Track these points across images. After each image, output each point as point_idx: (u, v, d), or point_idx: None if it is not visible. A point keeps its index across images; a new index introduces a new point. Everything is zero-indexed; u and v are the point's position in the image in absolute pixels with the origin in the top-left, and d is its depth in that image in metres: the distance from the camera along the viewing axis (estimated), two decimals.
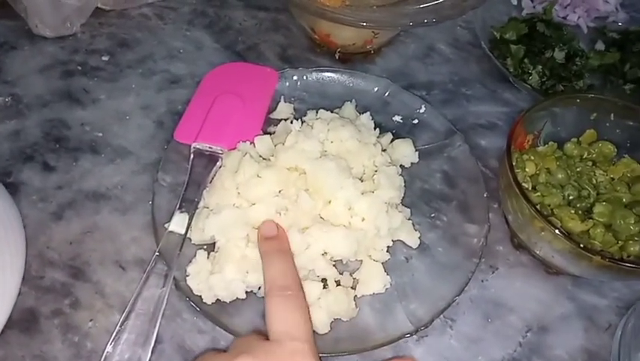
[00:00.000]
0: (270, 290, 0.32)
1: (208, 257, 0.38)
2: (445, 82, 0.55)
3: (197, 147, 0.43)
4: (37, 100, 0.51)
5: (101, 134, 0.49)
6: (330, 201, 0.39)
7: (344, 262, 0.40)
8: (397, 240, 0.42)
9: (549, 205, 0.39)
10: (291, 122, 0.43)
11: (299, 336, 0.30)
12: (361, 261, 0.40)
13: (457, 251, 0.42)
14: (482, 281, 0.42)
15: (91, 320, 0.38)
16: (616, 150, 0.43)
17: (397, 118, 0.50)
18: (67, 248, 0.41)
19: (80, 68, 0.54)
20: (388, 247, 0.41)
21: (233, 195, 0.39)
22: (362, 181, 0.41)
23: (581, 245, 0.34)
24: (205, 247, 0.39)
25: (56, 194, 0.44)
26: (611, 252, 0.38)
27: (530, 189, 0.40)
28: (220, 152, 0.43)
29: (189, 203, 0.40)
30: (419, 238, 0.42)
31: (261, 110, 0.47)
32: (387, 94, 0.51)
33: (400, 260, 0.42)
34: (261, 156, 0.42)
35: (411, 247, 0.42)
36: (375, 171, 0.42)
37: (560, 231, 0.34)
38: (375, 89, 0.51)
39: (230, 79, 0.49)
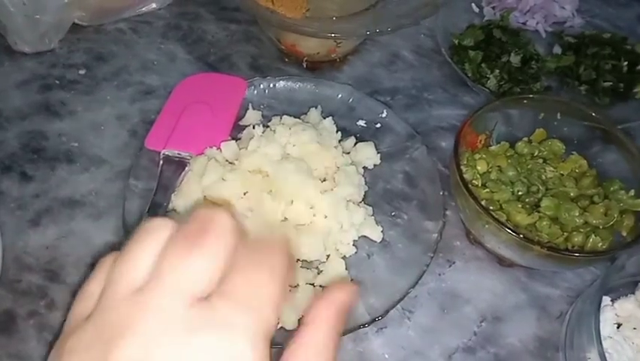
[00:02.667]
0: (252, 243, 0.20)
1: None
2: (409, 87, 0.58)
3: (167, 153, 0.46)
4: (16, 113, 0.53)
5: (77, 144, 0.51)
6: (292, 202, 0.41)
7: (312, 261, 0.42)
8: (361, 236, 0.44)
9: (498, 201, 0.41)
10: (253, 128, 0.45)
11: (253, 306, 0.17)
12: (329, 255, 0.42)
13: (416, 247, 0.44)
14: (439, 275, 0.44)
15: (65, 320, 0.40)
16: (565, 147, 0.45)
17: (361, 122, 0.52)
18: (44, 253, 0.43)
19: (57, 81, 0.56)
20: (354, 241, 0.43)
21: (199, 197, 0.41)
22: (324, 181, 0.43)
23: (521, 235, 0.36)
24: None
25: (34, 202, 0.46)
26: (556, 243, 0.40)
27: (480, 185, 0.42)
28: (188, 158, 0.45)
29: (158, 207, 0.42)
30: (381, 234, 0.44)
31: (229, 118, 0.49)
32: (351, 100, 0.53)
33: (362, 257, 0.44)
34: (227, 161, 0.44)
35: (373, 243, 0.44)
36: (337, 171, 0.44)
37: (499, 222, 0.37)
38: (340, 95, 0.53)
39: (199, 89, 0.52)
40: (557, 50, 0.60)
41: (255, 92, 0.53)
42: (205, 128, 0.48)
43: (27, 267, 0.42)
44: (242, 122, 0.51)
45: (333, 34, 0.47)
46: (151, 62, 0.59)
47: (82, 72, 0.57)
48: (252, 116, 0.51)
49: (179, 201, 0.42)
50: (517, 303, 0.43)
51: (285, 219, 0.41)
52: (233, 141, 0.45)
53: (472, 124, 0.42)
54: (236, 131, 0.49)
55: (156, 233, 0.19)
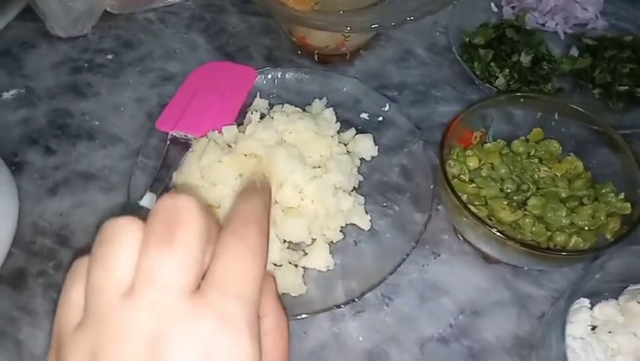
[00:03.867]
0: (229, 223, 0.20)
1: None
2: (417, 83, 0.58)
3: (174, 134, 0.49)
4: (47, 92, 0.57)
5: (97, 123, 0.55)
6: (282, 185, 0.43)
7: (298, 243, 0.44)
8: (350, 223, 0.46)
9: (484, 196, 0.42)
10: (252, 114, 0.47)
11: (241, 293, 0.18)
12: (315, 239, 0.44)
13: (404, 238, 0.45)
14: (423, 265, 0.45)
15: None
16: (561, 148, 0.45)
17: (364, 115, 0.54)
18: (58, 219, 0.47)
19: (86, 64, 0.60)
20: (342, 227, 0.44)
21: (197, 176, 0.44)
22: (317, 168, 0.45)
23: (495, 229, 0.36)
24: None
25: (54, 173, 0.51)
26: (538, 241, 0.40)
27: (467, 181, 0.43)
28: (193, 139, 0.48)
29: (160, 183, 0.45)
30: (370, 223, 0.46)
31: (236, 105, 0.52)
32: (356, 93, 0.54)
33: (350, 243, 0.45)
34: (227, 144, 0.47)
35: (362, 231, 0.46)
36: None
37: (475, 216, 0.37)
38: (346, 88, 0.55)
39: (212, 76, 0.55)
40: (574, 52, 0.58)
41: (265, 81, 0.55)
42: (213, 113, 0.51)
43: (41, 231, 0.46)
44: (249, 110, 0.53)
45: (339, 27, 0.49)
46: (173, 51, 0.62)
47: (109, 57, 0.61)
48: (259, 104, 0.53)
49: (179, 179, 0.45)
50: (499, 300, 0.43)
51: (276, 202, 0.43)
52: (235, 125, 0.47)
53: (464, 120, 0.43)
54: (242, 117, 0.52)
55: (126, 233, 0.19)
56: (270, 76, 0.55)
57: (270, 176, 0.42)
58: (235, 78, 0.54)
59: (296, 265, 0.42)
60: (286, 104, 0.50)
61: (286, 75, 0.55)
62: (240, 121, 0.51)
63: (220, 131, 0.47)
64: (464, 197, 0.41)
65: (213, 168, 0.43)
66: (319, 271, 0.43)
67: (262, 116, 0.49)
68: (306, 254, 0.43)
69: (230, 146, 0.46)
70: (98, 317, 0.18)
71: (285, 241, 0.43)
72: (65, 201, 0.49)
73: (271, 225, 0.41)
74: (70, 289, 0.20)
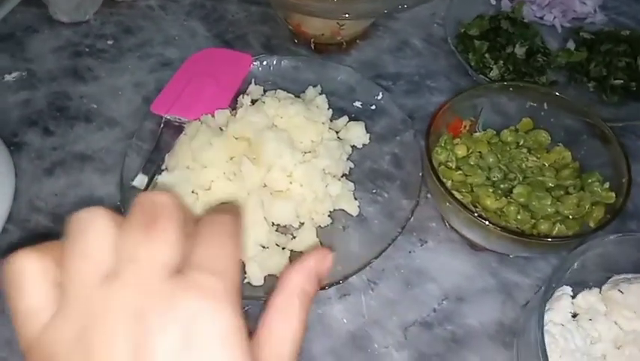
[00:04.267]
0: (205, 216, 0.21)
1: None
2: (412, 74, 0.59)
3: (168, 118, 0.49)
4: (48, 75, 0.58)
5: (95, 106, 0.56)
6: (272, 169, 0.43)
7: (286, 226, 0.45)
8: (339, 209, 0.46)
9: (470, 184, 0.42)
10: (243, 98, 0.48)
11: (220, 270, 0.19)
12: (303, 223, 0.44)
13: (392, 224, 0.45)
14: (410, 252, 0.45)
15: None
16: (550, 138, 0.45)
17: (357, 104, 0.54)
18: (53, 199, 0.48)
19: (87, 49, 0.61)
20: (330, 212, 0.45)
21: (188, 158, 0.44)
22: (307, 153, 0.46)
23: (475, 214, 0.37)
24: None
25: (51, 154, 0.52)
26: (523, 229, 0.40)
27: (454, 168, 0.43)
28: (187, 123, 0.49)
29: (152, 164, 0.46)
30: (359, 208, 0.46)
31: (231, 90, 0.52)
32: (350, 82, 0.55)
33: (338, 228, 0.46)
34: (220, 128, 0.47)
35: (350, 216, 0.46)
36: None
37: (458, 201, 0.38)
38: (340, 76, 0.55)
39: (208, 62, 0.55)
40: (571, 45, 0.58)
41: (261, 68, 0.56)
42: (207, 98, 0.51)
43: (37, 209, 0.47)
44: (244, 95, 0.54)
45: (332, 14, 0.49)
46: (173, 37, 0.63)
47: (110, 42, 0.62)
48: (254, 90, 0.53)
49: (171, 161, 0.45)
50: (484, 287, 0.43)
51: (265, 185, 0.43)
52: (227, 110, 0.48)
53: (453, 108, 0.43)
54: (237, 103, 0.53)
55: (100, 221, 0.19)
56: (265, 63, 0.55)
57: (258, 159, 0.43)
58: (231, 64, 0.55)
59: (283, 248, 0.43)
60: (279, 90, 0.50)
61: (282, 63, 0.56)
62: (233, 106, 0.52)
63: (213, 115, 0.47)
64: (449, 184, 0.42)
65: (204, 151, 0.44)
66: (307, 254, 0.43)
67: (255, 101, 0.50)
68: (294, 237, 0.44)
69: (222, 129, 0.46)
70: (82, 299, 0.18)
71: (273, 223, 0.43)
72: (61, 181, 0.50)
73: (259, 207, 0.42)
74: (27, 297, 0.19)
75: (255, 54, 0.57)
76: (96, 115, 0.55)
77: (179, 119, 0.49)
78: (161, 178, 0.44)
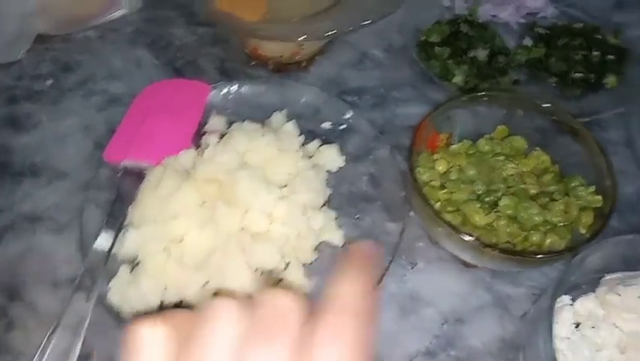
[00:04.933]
0: (329, 307, 0.20)
1: (131, 272, 0.40)
2: (377, 86, 0.57)
3: (126, 165, 0.45)
4: None
5: (41, 158, 0.51)
6: (247, 210, 0.40)
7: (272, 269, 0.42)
8: (323, 241, 0.44)
9: (456, 201, 0.41)
10: (210, 136, 0.44)
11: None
12: (288, 263, 0.42)
13: (379, 250, 0.43)
14: (402, 277, 0.43)
15: (24, 340, 0.40)
16: (527, 143, 0.44)
17: (326, 124, 0.52)
18: (5, 270, 0.43)
19: (24, 93, 0.56)
20: (316, 246, 0.43)
21: (155, 209, 0.41)
22: (285, 187, 0.43)
23: (473, 238, 0.35)
24: (130, 261, 0.41)
25: None
26: (514, 243, 0.39)
27: (438, 186, 0.42)
28: (148, 168, 0.45)
29: (115, 219, 0.42)
30: (344, 237, 0.44)
31: (191, 125, 0.49)
32: (316, 102, 0.52)
33: (324, 261, 0.44)
34: (186, 171, 0.44)
35: (336, 247, 0.44)
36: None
37: (451, 225, 0.36)
38: (305, 97, 0.53)
39: (162, 96, 0.51)
40: (528, 42, 0.58)
41: (220, 96, 0.52)
42: (166, 137, 0.47)
43: None
44: (206, 129, 0.50)
45: (293, 37, 0.47)
46: (117, 70, 0.58)
47: (48, 82, 0.57)
48: (216, 121, 0.50)
49: (136, 213, 0.41)
50: (480, 304, 0.42)
51: (243, 228, 0.40)
52: (192, 149, 0.44)
53: (430, 124, 0.42)
54: (200, 138, 0.49)
55: (225, 317, 0.20)
56: (224, 90, 0.52)
57: (233, 201, 0.40)
58: (187, 96, 0.51)
59: None
60: (246, 121, 0.47)
61: (242, 89, 0.53)
62: (197, 142, 0.48)
63: (177, 157, 0.44)
64: (437, 205, 0.40)
65: (172, 199, 0.40)
66: None
67: (222, 135, 0.47)
68: (281, 280, 0.41)
69: (189, 172, 0.43)
70: None
71: (257, 269, 0.40)
72: (12, 249, 0.45)
73: (240, 254, 0.39)
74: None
75: (211, 80, 0.54)
76: (42, 168, 0.50)
77: (139, 164, 0.45)
78: (127, 237, 0.40)
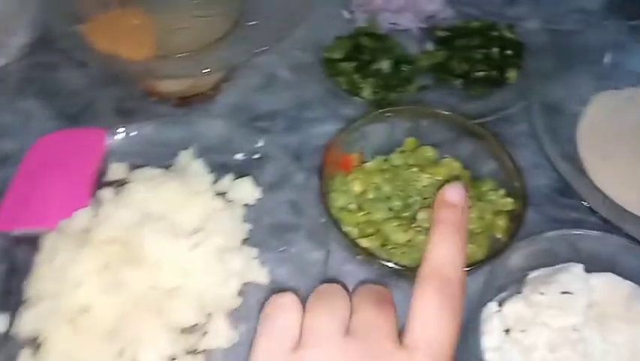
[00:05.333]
0: (430, 275, 0.24)
1: (35, 354, 0.36)
2: (288, 108, 0.56)
3: (18, 234, 0.41)
4: None
5: None
6: (157, 267, 0.37)
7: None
8: (247, 282, 0.42)
9: (375, 222, 0.40)
10: (105, 191, 0.41)
11: (440, 352, 0.23)
12: (210, 314, 0.39)
13: (308, 281, 0.42)
14: None
15: None
16: (437, 152, 0.44)
17: (239, 156, 0.50)
18: None
19: None
20: (239, 290, 0.40)
21: (52, 281, 0.37)
22: (198, 233, 0.40)
23: (390, 264, 0.35)
24: (32, 343, 0.37)
25: None
26: None
27: (356, 209, 0.41)
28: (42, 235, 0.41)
29: (10, 297, 0.37)
30: (269, 275, 0.42)
31: (88, 179, 0.45)
32: (226, 133, 0.50)
33: (252, 304, 0.41)
34: (85, 232, 0.40)
35: (263, 286, 0.42)
36: None
37: (369, 254, 0.35)
38: (214, 129, 0.50)
39: (54, 150, 0.47)
40: (430, 46, 0.59)
41: (119, 141, 0.49)
42: (62, 196, 0.43)
43: None
44: (106, 179, 0.47)
45: (188, 73, 0.44)
46: (5, 125, 0.53)
47: None
48: (116, 170, 0.47)
49: (31, 290, 0.37)
50: None
51: (154, 287, 0.37)
52: (88, 208, 0.41)
53: (338, 148, 0.41)
54: (100, 189, 0.45)
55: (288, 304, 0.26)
56: (123, 134, 0.49)
57: (138, 260, 0.37)
58: (82, 147, 0.48)
59: (196, 351, 0.37)
60: (145, 168, 0.44)
61: (143, 129, 0.50)
62: (97, 197, 0.44)
63: (71, 219, 0.40)
64: (355, 231, 0.39)
65: (70, 268, 0.36)
66: (225, 348, 0.38)
67: (122, 184, 0.44)
68: (205, 333, 0.38)
69: (87, 234, 0.39)
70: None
71: (176, 328, 0.37)
72: None
73: (155, 315, 0.36)
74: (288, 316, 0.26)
75: (109, 125, 0.50)
76: None
77: (33, 231, 0.41)
78: (25, 315, 0.36)
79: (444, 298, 0.23)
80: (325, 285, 0.26)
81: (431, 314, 0.23)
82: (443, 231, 0.25)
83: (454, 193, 0.26)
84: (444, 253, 0.24)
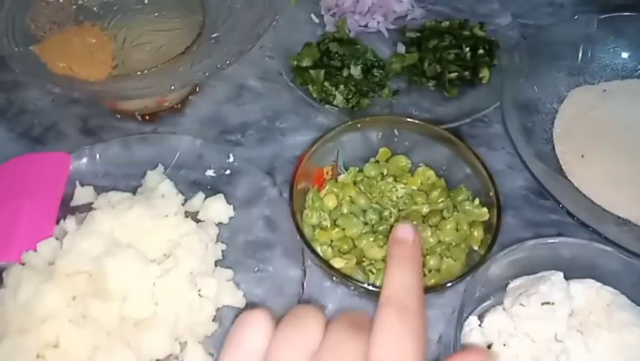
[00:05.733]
0: (386, 303, 0.25)
1: None
2: (259, 119, 0.54)
3: None
4: None
5: None
6: (127, 298, 0.36)
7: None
8: (223, 306, 0.41)
9: (351, 237, 0.39)
10: (67, 220, 0.39)
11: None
12: (185, 342, 0.38)
13: (285, 301, 0.41)
14: None
15: None
16: (410, 161, 0.44)
17: (210, 172, 0.48)
18: None
19: None
20: (214, 315, 0.39)
21: (19, 317, 0.35)
22: (168, 258, 0.39)
23: (365, 285, 0.34)
24: None
25: None
26: None
27: (330, 226, 0.40)
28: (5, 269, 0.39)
29: None
30: (245, 297, 0.41)
31: (54, 206, 0.43)
32: (195, 150, 0.49)
33: (228, 329, 0.40)
34: (50, 264, 0.38)
35: (238, 309, 0.41)
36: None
37: (344, 276, 0.34)
38: (183, 146, 0.49)
39: (16, 176, 0.45)
40: (401, 48, 0.58)
41: (86, 162, 0.47)
42: (26, 226, 0.42)
43: None
44: (73, 203, 0.45)
45: (149, 92, 0.43)
46: None
47: None
48: (83, 193, 0.45)
49: None
50: None
51: (124, 318, 0.36)
52: (52, 239, 0.39)
53: (308, 162, 0.40)
54: (67, 215, 0.44)
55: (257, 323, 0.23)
56: (89, 156, 0.47)
57: (106, 291, 0.36)
58: (46, 171, 0.46)
59: None
60: (111, 192, 0.43)
61: (109, 149, 0.48)
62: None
63: (35, 251, 0.38)
64: (329, 251, 0.38)
65: (35, 303, 0.35)
66: None
67: (88, 209, 0.42)
68: None
69: (51, 266, 0.38)
70: None
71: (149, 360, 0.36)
72: None
73: (126, 348, 0.35)
74: (253, 336, 0.23)
75: (74, 144, 0.48)
76: None
77: None
78: None
79: (402, 323, 0.23)
80: (300, 306, 0.25)
81: (390, 340, 0.23)
82: (396, 264, 0.25)
83: (404, 231, 0.27)
84: (399, 281, 0.25)
